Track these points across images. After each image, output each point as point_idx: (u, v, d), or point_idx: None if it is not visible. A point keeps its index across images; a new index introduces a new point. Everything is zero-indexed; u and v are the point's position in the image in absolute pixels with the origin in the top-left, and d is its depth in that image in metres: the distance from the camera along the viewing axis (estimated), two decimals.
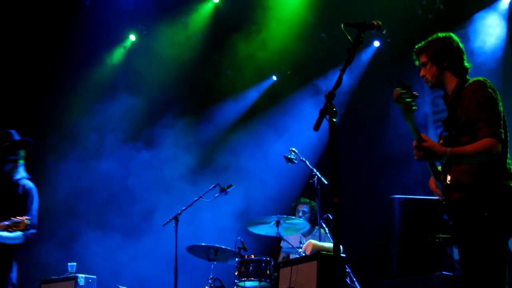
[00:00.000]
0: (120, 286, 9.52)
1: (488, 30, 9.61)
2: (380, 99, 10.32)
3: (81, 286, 8.47)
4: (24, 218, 5.84)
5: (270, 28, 11.47)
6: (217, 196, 8.56)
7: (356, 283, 7.51)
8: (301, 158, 8.27)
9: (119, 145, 11.72)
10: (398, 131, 9.61)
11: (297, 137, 10.81)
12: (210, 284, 8.46)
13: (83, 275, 8.60)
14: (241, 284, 8.05)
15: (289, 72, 12.35)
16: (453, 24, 9.96)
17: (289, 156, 8.20)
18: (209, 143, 12.23)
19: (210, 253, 8.68)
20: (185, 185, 11.23)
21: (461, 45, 4.95)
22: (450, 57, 4.88)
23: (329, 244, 7.83)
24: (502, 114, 4.61)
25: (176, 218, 8.37)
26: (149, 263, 10.77)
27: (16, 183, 6.40)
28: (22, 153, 6.40)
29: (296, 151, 8.24)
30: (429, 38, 5.02)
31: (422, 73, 5.05)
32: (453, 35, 4.98)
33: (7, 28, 11.00)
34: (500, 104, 4.62)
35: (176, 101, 12.23)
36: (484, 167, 4.55)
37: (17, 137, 6.43)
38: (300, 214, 8.78)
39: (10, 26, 11.02)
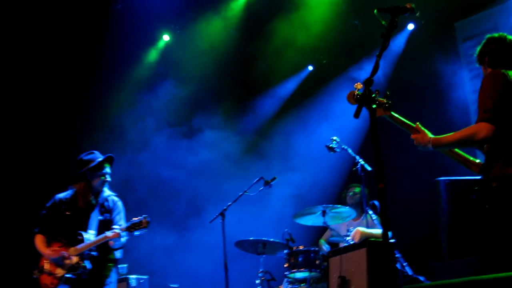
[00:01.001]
0: (171, 285, 9.60)
1: None
2: (418, 81, 10.25)
3: (133, 287, 8.57)
4: (143, 216, 6.38)
5: (303, 16, 11.46)
6: (262, 189, 8.57)
7: (406, 267, 7.48)
8: (342, 146, 8.24)
9: (162, 138, 11.87)
10: (439, 113, 9.54)
11: (339, 124, 10.77)
12: (261, 277, 8.49)
13: (135, 276, 8.69)
14: (291, 275, 8.07)
15: (324, 61, 12.32)
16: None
17: (331, 145, 8.17)
18: (251, 133, 12.26)
19: (259, 247, 8.70)
20: (230, 174, 11.34)
21: (509, 41, 4.98)
22: (489, 55, 4.97)
23: (376, 231, 7.81)
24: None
25: (222, 214, 8.40)
26: (198, 259, 10.77)
27: (106, 200, 6.83)
28: (108, 169, 6.80)
29: (338, 140, 8.21)
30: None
31: None
32: (502, 35, 5.03)
33: (51, 33, 11.29)
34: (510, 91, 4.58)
35: (217, 92, 12.29)
36: (490, 154, 4.58)
37: (100, 155, 6.84)
38: (351, 194, 8.81)
39: (53, 30, 11.30)
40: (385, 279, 6.32)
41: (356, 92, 4.58)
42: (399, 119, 4.86)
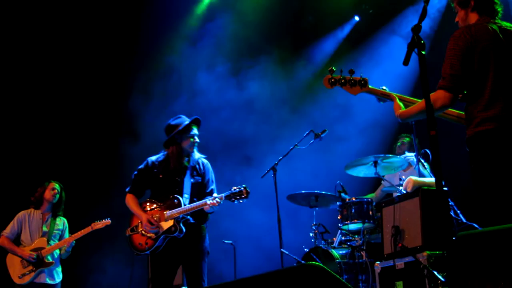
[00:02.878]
0: (225, 241, 9.69)
1: None
2: None
3: None
4: (243, 186, 6.44)
5: None
6: (312, 142, 8.52)
7: (460, 215, 7.42)
8: None
9: (211, 85, 12.02)
10: None
11: (389, 72, 10.63)
12: (314, 230, 8.53)
13: None
14: (345, 227, 8.11)
15: (371, 11, 12.16)
16: None
17: None
18: (302, 84, 12.21)
19: (311, 200, 8.74)
20: (281, 121, 11.48)
21: None
22: None
23: (429, 179, 7.75)
24: (476, 62, 4.45)
25: (274, 169, 8.36)
26: (251, 213, 10.81)
27: (197, 162, 6.97)
28: (196, 130, 6.92)
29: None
30: None
31: (456, 19, 4.89)
32: None
33: None
34: (476, 51, 4.44)
35: (270, 40, 12.27)
36: (466, 115, 4.57)
37: (187, 118, 6.99)
38: (399, 144, 8.77)
39: None
40: (440, 227, 6.30)
41: (331, 76, 4.55)
42: (378, 91, 4.82)
